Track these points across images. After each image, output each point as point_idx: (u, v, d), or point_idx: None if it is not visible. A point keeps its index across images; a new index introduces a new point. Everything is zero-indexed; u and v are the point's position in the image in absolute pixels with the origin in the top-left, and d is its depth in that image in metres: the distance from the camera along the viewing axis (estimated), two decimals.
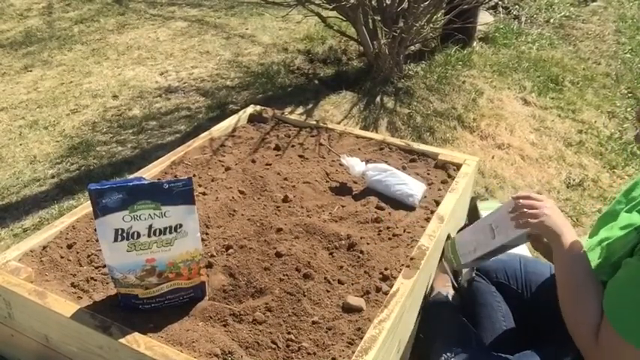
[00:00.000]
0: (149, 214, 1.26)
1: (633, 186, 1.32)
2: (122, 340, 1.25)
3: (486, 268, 1.64)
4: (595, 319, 1.09)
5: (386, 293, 1.43)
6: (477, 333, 1.50)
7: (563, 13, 5.09)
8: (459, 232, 1.66)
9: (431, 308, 1.65)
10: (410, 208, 1.83)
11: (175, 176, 1.98)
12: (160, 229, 1.28)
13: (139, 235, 1.27)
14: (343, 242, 1.61)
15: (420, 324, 1.64)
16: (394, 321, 1.33)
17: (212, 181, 1.97)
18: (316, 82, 3.50)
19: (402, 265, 1.53)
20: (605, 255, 1.19)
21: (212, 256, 1.57)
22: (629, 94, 3.81)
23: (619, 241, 1.17)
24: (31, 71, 3.79)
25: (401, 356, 1.53)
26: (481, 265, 1.65)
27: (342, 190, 1.95)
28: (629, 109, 3.59)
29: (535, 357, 1.35)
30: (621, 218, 1.26)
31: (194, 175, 2.00)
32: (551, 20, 4.93)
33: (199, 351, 1.25)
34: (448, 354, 1.36)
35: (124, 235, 1.26)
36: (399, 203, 1.85)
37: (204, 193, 1.87)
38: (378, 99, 3.20)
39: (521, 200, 1.34)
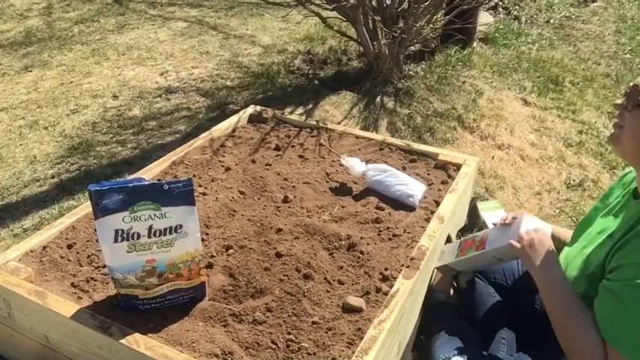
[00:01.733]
0: (149, 215, 1.26)
1: (609, 191, 1.32)
2: (122, 341, 1.25)
3: (485, 269, 1.64)
4: (596, 341, 1.08)
5: (386, 293, 1.43)
6: (475, 333, 1.50)
7: (563, 14, 5.09)
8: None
9: (431, 308, 1.65)
10: (410, 208, 1.84)
11: (175, 176, 1.98)
12: (160, 230, 1.28)
13: (139, 236, 1.27)
14: (343, 242, 1.61)
15: (420, 324, 1.64)
16: (394, 321, 1.33)
17: (212, 181, 1.97)
18: (316, 82, 3.50)
19: (402, 265, 1.53)
20: (582, 266, 1.20)
21: (212, 256, 1.57)
22: None
23: (594, 253, 1.17)
24: (31, 71, 3.79)
25: (401, 356, 1.53)
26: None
27: (342, 190, 1.95)
28: None
29: (533, 357, 1.35)
30: (596, 224, 1.26)
31: (194, 176, 2.00)
32: (551, 21, 4.94)
33: (199, 351, 1.25)
34: (448, 354, 1.36)
35: (124, 235, 1.26)
36: (399, 203, 1.85)
37: (204, 194, 1.87)
38: (378, 99, 3.20)
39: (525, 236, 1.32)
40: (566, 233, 1.46)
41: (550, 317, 1.19)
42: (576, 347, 1.12)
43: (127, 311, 1.35)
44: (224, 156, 2.15)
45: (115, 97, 3.41)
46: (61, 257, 1.56)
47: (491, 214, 2.26)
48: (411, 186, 1.87)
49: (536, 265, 1.23)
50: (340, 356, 1.26)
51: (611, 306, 1.07)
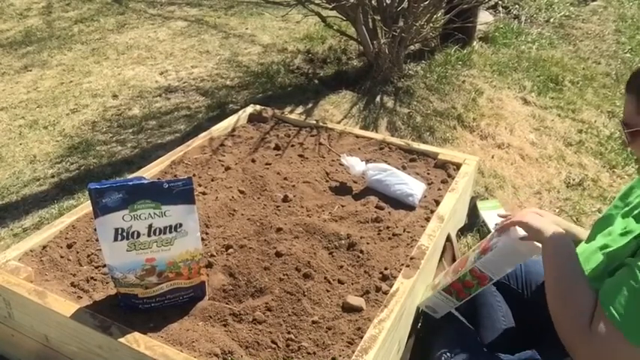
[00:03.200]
0: (149, 214, 1.26)
1: (629, 190, 1.31)
2: (122, 340, 1.25)
3: None
4: (585, 308, 1.07)
5: (386, 293, 1.43)
6: (476, 333, 1.50)
7: (563, 13, 5.09)
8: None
9: None
10: (410, 207, 1.83)
11: (175, 176, 1.98)
12: (159, 229, 1.28)
13: (138, 235, 1.27)
14: (343, 242, 1.61)
15: (421, 324, 1.64)
16: (394, 320, 1.33)
17: (212, 180, 1.97)
18: (316, 81, 3.50)
19: (402, 264, 1.53)
20: (604, 264, 1.19)
21: (212, 255, 1.57)
22: None
23: (619, 251, 1.16)
24: (30, 71, 3.79)
25: (401, 356, 1.53)
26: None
27: (342, 189, 1.95)
28: None
29: (535, 357, 1.35)
30: (618, 223, 1.25)
31: (194, 175, 2.00)
32: (551, 20, 4.93)
33: (199, 351, 1.25)
34: (448, 354, 1.36)
35: (124, 234, 1.26)
36: (399, 203, 1.85)
37: (204, 193, 1.87)
38: (377, 98, 3.20)
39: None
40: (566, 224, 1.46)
41: (547, 279, 1.18)
42: (564, 311, 1.12)
43: (126, 310, 1.35)
44: (224, 155, 2.15)
45: (114, 96, 3.41)
46: (61, 257, 1.56)
47: (491, 213, 2.27)
48: (411, 185, 1.87)
49: (542, 230, 1.21)
50: (340, 355, 1.26)
51: (620, 276, 1.06)
